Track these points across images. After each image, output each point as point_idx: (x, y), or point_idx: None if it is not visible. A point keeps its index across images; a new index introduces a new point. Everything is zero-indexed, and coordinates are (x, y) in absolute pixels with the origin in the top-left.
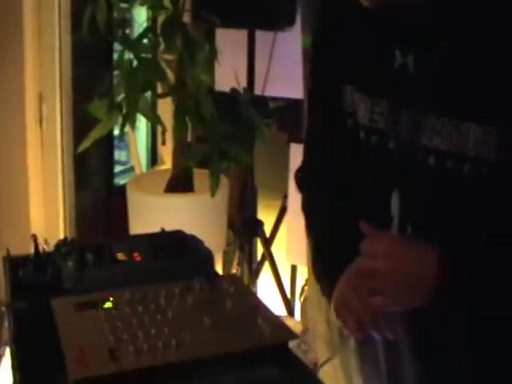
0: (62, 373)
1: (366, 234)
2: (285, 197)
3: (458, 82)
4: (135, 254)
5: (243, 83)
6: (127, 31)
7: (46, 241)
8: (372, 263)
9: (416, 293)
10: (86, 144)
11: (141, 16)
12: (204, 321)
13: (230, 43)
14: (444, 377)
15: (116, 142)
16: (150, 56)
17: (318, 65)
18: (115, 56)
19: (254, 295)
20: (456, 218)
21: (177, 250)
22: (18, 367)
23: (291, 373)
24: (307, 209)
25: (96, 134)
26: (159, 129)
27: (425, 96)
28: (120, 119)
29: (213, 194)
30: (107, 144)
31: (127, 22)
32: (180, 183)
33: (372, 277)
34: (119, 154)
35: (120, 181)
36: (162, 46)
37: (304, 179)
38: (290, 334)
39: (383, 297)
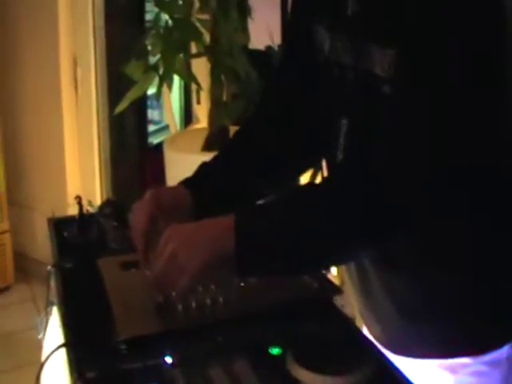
0: (110, 331)
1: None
2: None
3: (379, 16)
4: None
5: (277, 40)
6: None
7: (90, 202)
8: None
9: (220, 261)
10: (122, 105)
11: None
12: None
13: (263, 1)
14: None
15: (149, 102)
16: (184, 16)
17: (294, 5)
18: (147, 16)
19: None
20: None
21: None
22: (66, 326)
23: (335, 328)
24: None
25: (132, 95)
26: (193, 88)
27: (363, 28)
28: (156, 79)
29: None
30: (141, 104)
31: None
32: (217, 141)
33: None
34: (152, 113)
35: (154, 140)
36: (197, 6)
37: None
38: (334, 288)
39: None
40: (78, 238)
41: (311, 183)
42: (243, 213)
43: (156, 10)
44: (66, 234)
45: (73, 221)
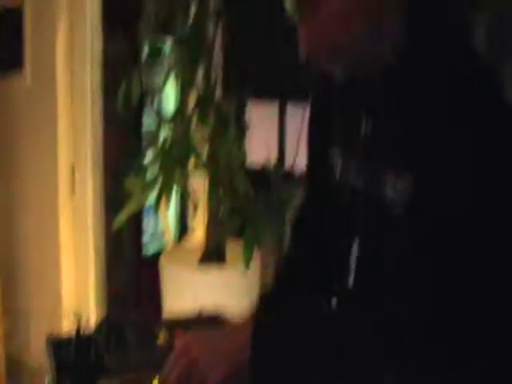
0: None
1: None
2: None
3: (395, 141)
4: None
5: (274, 156)
6: (157, 106)
7: (87, 321)
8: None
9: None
10: (120, 219)
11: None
12: None
13: (261, 117)
14: None
15: (144, 212)
16: (183, 133)
17: (311, 129)
18: (144, 127)
19: None
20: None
21: None
22: None
23: None
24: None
25: (130, 209)
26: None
27: (377, 153)
28: (154, 193)
29: (247, 267)
30: (137, 214)
31: (157, 95)
32: (213, 256)
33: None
34: (148, 222)
35: (149, 249)
36: (194, 122)
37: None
38: None
39: None
40: (75, 359)
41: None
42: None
43: (153, 120)
44: (64, 354)
45: (71, 341)
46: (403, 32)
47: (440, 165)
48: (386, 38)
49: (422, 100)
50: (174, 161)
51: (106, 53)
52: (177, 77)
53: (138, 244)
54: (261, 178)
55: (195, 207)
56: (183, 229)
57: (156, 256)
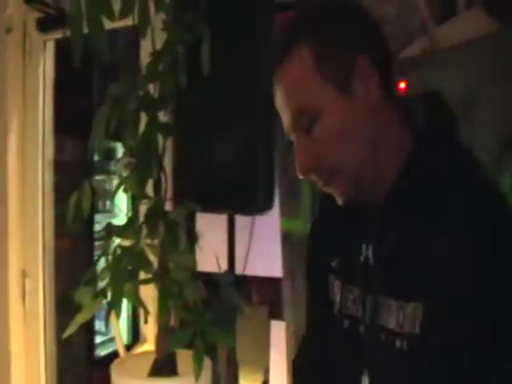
0: None
1: None
2: (266, 370)
3: (398, 270)
4: None
5: (224, 264)
6: (108, 209)
7: None
8: None
9: None
10: (70, 330)
11: (122, 196)
12: None
13: (210, 226)
14: None
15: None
16: (133, 244)
17: (310, 257)
18: (96, 228)
19: None
20: None
21: None
22: None
23: None
24: None
25: (80, 319)
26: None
27: (379, 282)
28: (104, 303)
29: (197, 379)
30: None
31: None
32: (164, 367)
33: None
34: (99, 324)
35: (100, 352)
36: (145, 232)
37: (296, 367)
38: None
39: None
40: None
41: None
42: None
43: (106, 220)
44: None
45: None
46: (405, 157)
47: (446, 295)
48: (384, 162)
49: (423, 229)
50: (125, 272)
51: (57, 159)
52: (127, 188)
53: (89, 346)
54: (211, 287)
55: (146, 316)
56: (136, 334)
57: (108, 358)
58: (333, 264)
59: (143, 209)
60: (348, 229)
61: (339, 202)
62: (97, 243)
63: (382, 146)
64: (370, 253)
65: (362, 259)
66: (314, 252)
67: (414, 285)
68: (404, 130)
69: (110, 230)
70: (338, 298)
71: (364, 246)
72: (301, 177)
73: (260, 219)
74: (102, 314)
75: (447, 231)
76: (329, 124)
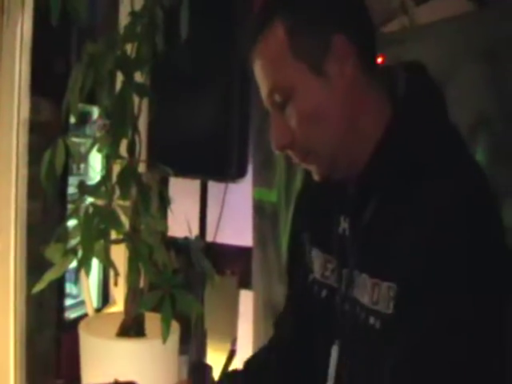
0: None
1: None
2: (234, 340)
3: (375, 247)
4: None
5: (195, 231)
6: (82, 172)
7: None
8: None
9: None
10: (40, 286)
11: (96, 158)
12: None
13: (182, 191)
14: None
15: (67, 275)
16: (105, 203)
17: (292, 224)
18: (70, 190)
19: None
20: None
21: None
22: None
23: None
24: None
25: (51, 276)
26: (111, 271)
27: (355, 257)
28: (75, 262)
29: (164, 341)
30: (59, 279)
31: (82, 162)
32: (132, 328)
33: None
34: (70, 287)
35: (70, 314)
36: (117, 193)
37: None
38: None
39: None
40: None
41: None
42: None
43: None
44: None
45: None
46: (382, 132)
47: (414, 279)
48: (361, 140)
49: (398, 209)
50: (96, 231)
51: (32, 118)
52: (101, 148)
53: (59, 308)
54: (181, 251)
55: (116, 278)
56: (105, 296)
57: (78, 320)
58: (313, 234)
59: (116, 169)
60: (328, 199)
61: (315, 177)
62: (70, 206)
63: (359, 125)
64: (347, 225)
65: (340, 231)
66: (297, 221)
67: (388, 265)
68: (384, 105)
69: (83, 189)
70: (317, 268)
71: (342, 218)
72: (276, 152)
73: (233, 188)
74: (73, 276)
75: (422, 214)
76: (301, 104)
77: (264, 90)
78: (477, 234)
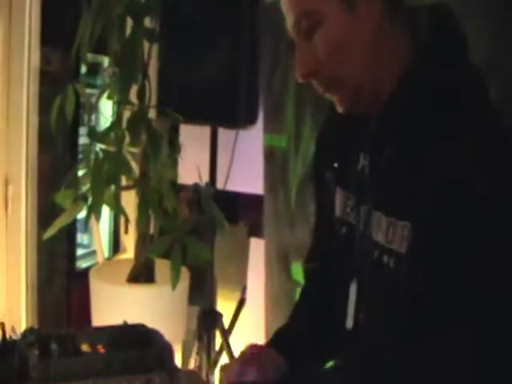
0: None
1: None
2: (244, 289)
3: (393, 185)
4: (99, 347)
5: (205, 178)
6: (93, 123)
7: (13, 328)
8: None
9: None
10: (50, 232)
11: (107, 107)
12: None
13: (193, 139)
14: None
15: (78, 225)
16: (115, 149)
17: (315, 162)
18: (81, 141)
19: None
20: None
21: (139, 343)
22: None
23: None
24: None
25: (61, 222)
26: (121, 218)
27: (373, 195)
28: (85, 208)
29: (174, 287)
30: (70, 228)
31: (93, 112)
32: (142, 274)
33: None
34: (81, 237)
35: (82, 264)
36: (127, 139)
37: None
38: None
39: None
40: None
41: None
42: None
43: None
44: None
45: None
46: (405, 65)
47: (432, 221)
48: (384, 75)
49: (418, 149)
50: (106, 177)
51: (43, 69)
52: (111, 94)
53: (70, 257)
54: (193, 204)
55: (127, 225)
56: (116, 245)
57: (89, 270)
58: (335, 171)
59: (126, 116)
60: (350, 136)
61: (339, 109)
62: (81, 156)
63: (383, 61)
64: (367, 162)
65: (359, 168)
66: (319, 159)
67: (405, 203)
68: (407, 44)
69: (93, 135)
70: (338, 204)
71: (362, 155)
72: (300, 81)
73: (243, 135)
74: (85, 227)
75: (443, 155)
76: (329, 33)
77: (291, 17)
78: (499, 179)
